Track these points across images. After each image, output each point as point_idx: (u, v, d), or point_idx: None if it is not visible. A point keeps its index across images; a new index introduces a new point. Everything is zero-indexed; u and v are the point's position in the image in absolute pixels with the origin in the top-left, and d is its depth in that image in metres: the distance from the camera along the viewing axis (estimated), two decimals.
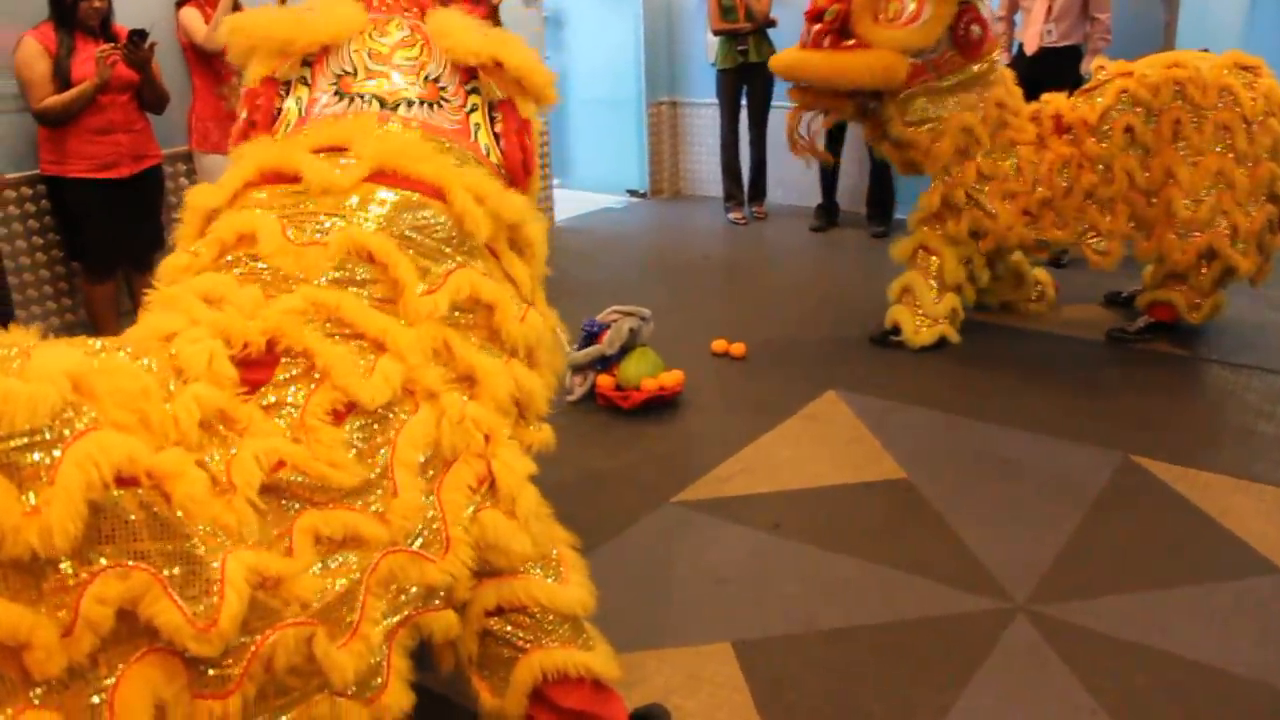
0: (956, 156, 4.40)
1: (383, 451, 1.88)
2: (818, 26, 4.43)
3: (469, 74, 2.35)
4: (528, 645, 2.12)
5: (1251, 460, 3.51)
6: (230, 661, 1.59)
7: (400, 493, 1.85)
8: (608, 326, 4.09)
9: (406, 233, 2.09)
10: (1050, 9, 5.58)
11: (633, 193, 8.00)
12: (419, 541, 1.89)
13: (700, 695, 2.49)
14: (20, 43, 4.03)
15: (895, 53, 4.22)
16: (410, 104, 2.30)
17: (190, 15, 4.60)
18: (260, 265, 2.01)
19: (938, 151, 4.38)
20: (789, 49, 4.61)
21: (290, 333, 1.86)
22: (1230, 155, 4.24)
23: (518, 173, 2.35)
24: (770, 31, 6.64)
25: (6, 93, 4.15)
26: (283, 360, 1.86)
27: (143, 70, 4.18)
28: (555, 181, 8.34)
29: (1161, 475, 3.44)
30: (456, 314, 2.10)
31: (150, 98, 4.31)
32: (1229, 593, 2.82)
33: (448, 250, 2.13)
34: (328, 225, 2.04)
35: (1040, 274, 5.02)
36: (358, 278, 2.02)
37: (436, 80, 2.34)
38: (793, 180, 7.09)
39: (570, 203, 7.85)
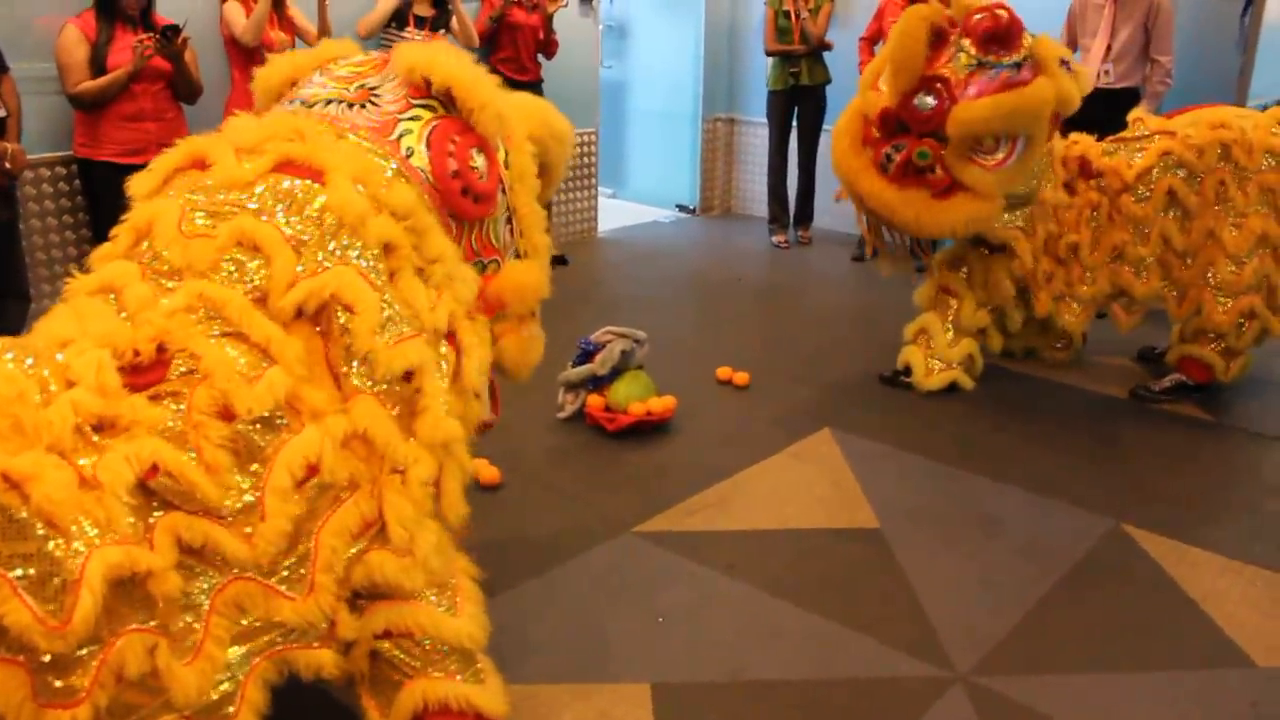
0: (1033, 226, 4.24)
1: (256, 468, 1.87)
2: (898, 157, 3.92)
3: (423, 91, 2.30)
4: (413, 672, 2.10)
5: (1251, 540, 3.31)
6: (79, 672, 1.60)
7: (267, 518, 1.81)
8: (602, 346, 4.05)
9: (293, 226, 2.00)
10: (1110, 48, 5.37)
11: (682, 208, 7.96)
12: (281, 575, 1.86)
13: None
14: (63, 29, 4.18)
15: (994, 198, 3.90)
16: (329, 102, 2.28)
17: (233, 9, 4.70)
18: (165, 253, 1.97)
19: (1035, 243, 4.21)
20: (875, 177, 4.02)
21: (177, 336, 1.83)
22: (1274, 217, 4.04)
23: (445, 183, 2.24)
24: (826, 54, 6.54)
25: (47, 76, 4.31)
26: (174, 362, 1.83)
27: (175, 62, 4.29)
28: (608, 192, 8.38)
29: (1149, 548, 3.26)
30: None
31: (183, 88, 4.43)
32: (1194, 683, 2.65)
33: (332, 245, 2.01)
34: (213, 219, 1.99)
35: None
36: (247, 272, 1.95)
37: (372, 89, 2.31)
38: (841, 207, 6.96)
39: (620, 214, 7.86)
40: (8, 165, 3.66)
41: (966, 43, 3.81)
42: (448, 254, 2.20)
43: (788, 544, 3.29)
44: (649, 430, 4.02)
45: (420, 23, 5.42)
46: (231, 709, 1.79)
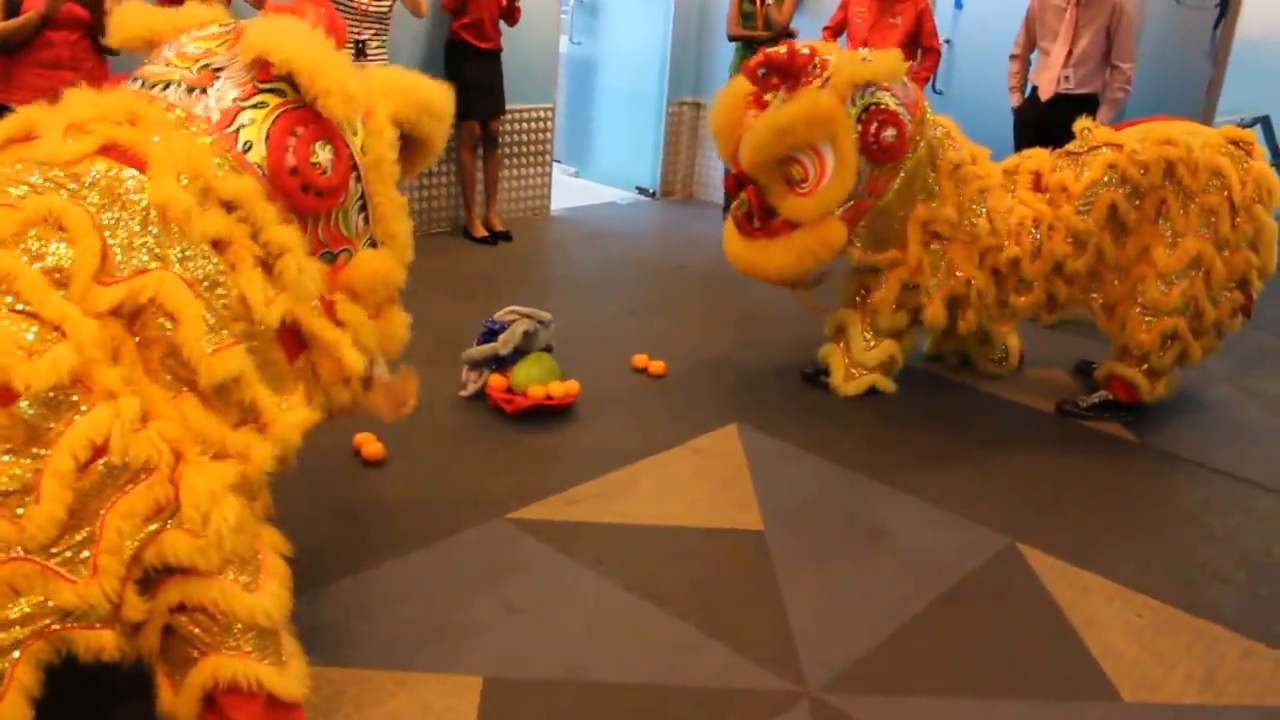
0: (928, 244, 4.05)
1: (38, 450, 1.73)
2: (739, 213, 3.94)
3: (270, 74, 2.16)
4: (206, 648, 2.00)
5: (1148, 568, 3.17)
6: None
7: (41, 501, 1.71)
8: (506, 326, 3.91)
9: (108, 213, 1.93)
10: (1070, 53, 5.20)
11: (642, 190, 7.80)
12: (62, 556, 1.75)
13: None
14: None
15: (827, 220, 3.76)
16: (168, 85, 2.16)
17: None
18: None
19: (914, 258, 4.01)
20: (733, 236, 4.02)
21: None
22: (1210, 240, 3.89)
23: (283, 180, 2.13)
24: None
25: None
26: None
27: (93, 11, 4.14)
28: (570, 170, 8.24)
29: (1040, 570, 3.13)
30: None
31: (101, 36, 4.28)
32: (1052, 714, 2.53)
33: (151, 242, 1.95)
34: (23, 191, 1.90)
35: (1011, 337, 4.64)
36: (48, 250, 1.85)
37: (217, 71, 2.17)
38: None
39: (579, 193, 7.71)
40: None
41: (776, 95, 3.75)
42: (293, 245, 2.13)
43: (663, 541, 3.16)
44: (549, 414, 3.89)
45: None
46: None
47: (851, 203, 3.79)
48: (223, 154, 2.09)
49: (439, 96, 2.55)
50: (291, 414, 2.17)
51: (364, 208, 2.37)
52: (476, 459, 3.57)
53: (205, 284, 1.99)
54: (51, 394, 1.73)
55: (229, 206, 2.05)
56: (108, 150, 2.01)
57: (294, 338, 2.21)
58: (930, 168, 3.95)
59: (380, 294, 2.42)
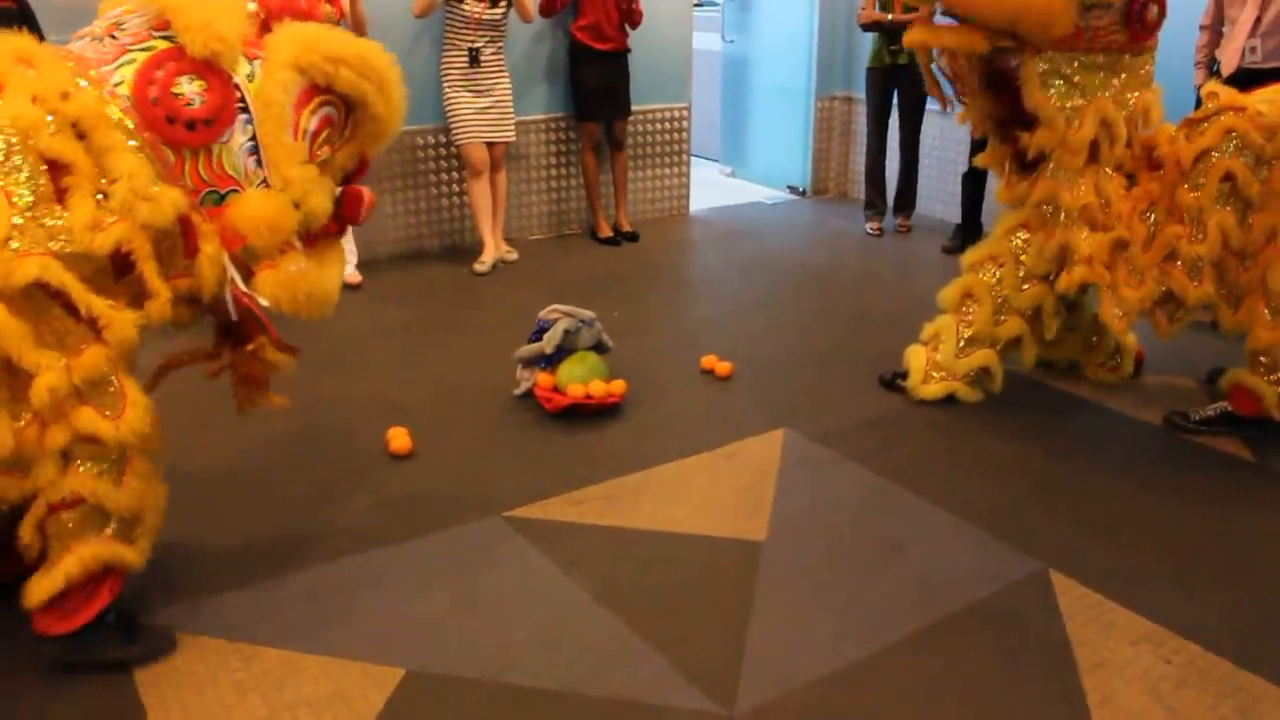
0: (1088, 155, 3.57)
1: None
2: None
3: (164, 25, 2.32)
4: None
5: (1201, 611, 2.72)
6: None
7: None
8: (552, 325, 3.92)
9: None
10: (1259, 21, 4.56)
11: (793, 189, 7.56)
12: None
13: (323, 715, 2.34)
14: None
15: None
16: (83, 38, 2.38)
17: None
18: None
19: (1076, 140, 3.50)
20: None
21: None
22: None
23: (146, 109, 2.25)
24: None
25: None
26: None
27: None
28: (726, 170, 8.13)
29: (1065, 601, 2.76)
30: None
31: None
32: None
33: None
34: None
35: (1129, 338, 4.11)
36: None
37: (119, 24, 2.35)
38: (945, 194, 6.41)
39: (730, 193, 7.60)
40: None
41: None
42: (135, 173, 2.20)
43: (650, 547, 3.05)
44: (595, 413, 3.85)
45: None
46: None
47: (1088, 24, 3.42)
48: (95, 90, 2.22)
49: (359, 51, 2.50)
50: (126, 313, 2.26)
51: (255, 151, 2.42)
52: (500, 456, 3.59)
53: (23, 197, 2.12)
54: None
55: (80, 134, 2.17)
56: None
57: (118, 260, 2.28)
58: (1136, 83, 3.57)
59: (266, 236, 2.42)
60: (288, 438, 3.71)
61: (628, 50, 6.06)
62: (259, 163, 2.41)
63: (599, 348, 4.03)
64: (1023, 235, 3.80)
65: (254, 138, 2.40)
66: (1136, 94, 3.57)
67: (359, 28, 5.15)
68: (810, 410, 3.94)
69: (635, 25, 6.01)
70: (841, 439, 3.69)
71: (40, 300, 2.15)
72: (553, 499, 3.30)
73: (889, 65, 6.11)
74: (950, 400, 3.95)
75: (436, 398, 4.06)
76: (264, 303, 2.52)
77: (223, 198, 2.39)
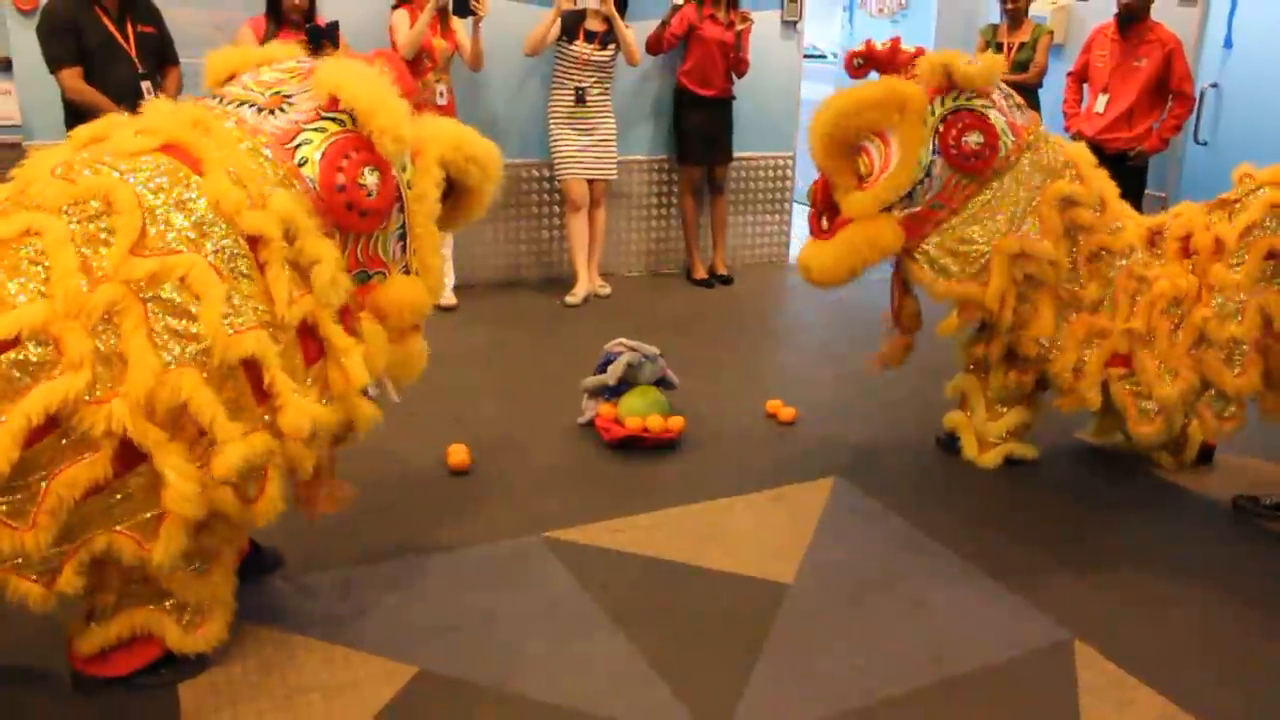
0: (1024, 293, 3.51)
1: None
2: (811, 214, 3.70)
3: (335, 107, 2.47)
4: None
5: (1237, 698, 2.63)
6: None
7: None
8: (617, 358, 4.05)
9: (158, 201, 2.21)
10: None
11: None
12: (6, 507, 2.06)
13: (333, 700, 2.50)
14: (240, 29, 4.90)
15: (879, 218, 3.42)
16: (243, 104, 2.49)
17: (399, 18, 5.23)
18: (31, 190, 2.20)
19: (994, 292, 3.44)
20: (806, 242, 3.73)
21: None
22: None
23: (331, 195, 2.41)
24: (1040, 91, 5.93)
25: None
26: None
27: None
28: None
29: (1086, 674, 2.70)
30: (158, 293, 2.16)
31: None
32: None
33: (189, 230, 2.22)
34: (87, 172, 2.22)
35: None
36: (89, 215, 2.16)
37: (286, 97, 2.50)
38: None
39: None
40: None
41: None
42: (327, 257, 2.36)
43: (679, 579, 3.12)
44: (651, 447, 3.95)
45: (590, 37, 5.66)
46: None
47: (917, 209, 3.42)
48: (277, 165, 2.39)
49: (486, 150, 2.77)
50: (305, 400, 2.34)
51: (403, 238, 2.63)
52: (552, 480, 3.72)
53: (233, 273, 2.24)
54: (21, 356, 2.04)
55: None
56: (168, 148, 2.30)
57: (314, 343, 2.41)
58: (1029, 191, 3.45)
59: (406, 318, 2.63)
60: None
61: (732, 97, 6.20)
62: (404, 249, 2.62)
63: (663, 383, 4.13)
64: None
65: (402, 225, 2.60)
66: (1046, 192, 3.46)
67: (475, 63, 5.44)
68: (865, 461, 3.94)
69: (741, 74, 6.14)
70: (889, 492, 3.69)
71: (235, 376, 2.25)
72: (594, 524, 3.40)
73: None
74: (1011, 462, 3.90)
75: (503, 419, 4.23)
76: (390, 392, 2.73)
77: (369, 277, 2.57)
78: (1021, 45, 5.92)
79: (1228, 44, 5.42)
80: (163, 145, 2.31)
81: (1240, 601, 3.09)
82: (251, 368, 2.26)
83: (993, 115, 3.40)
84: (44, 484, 2.08)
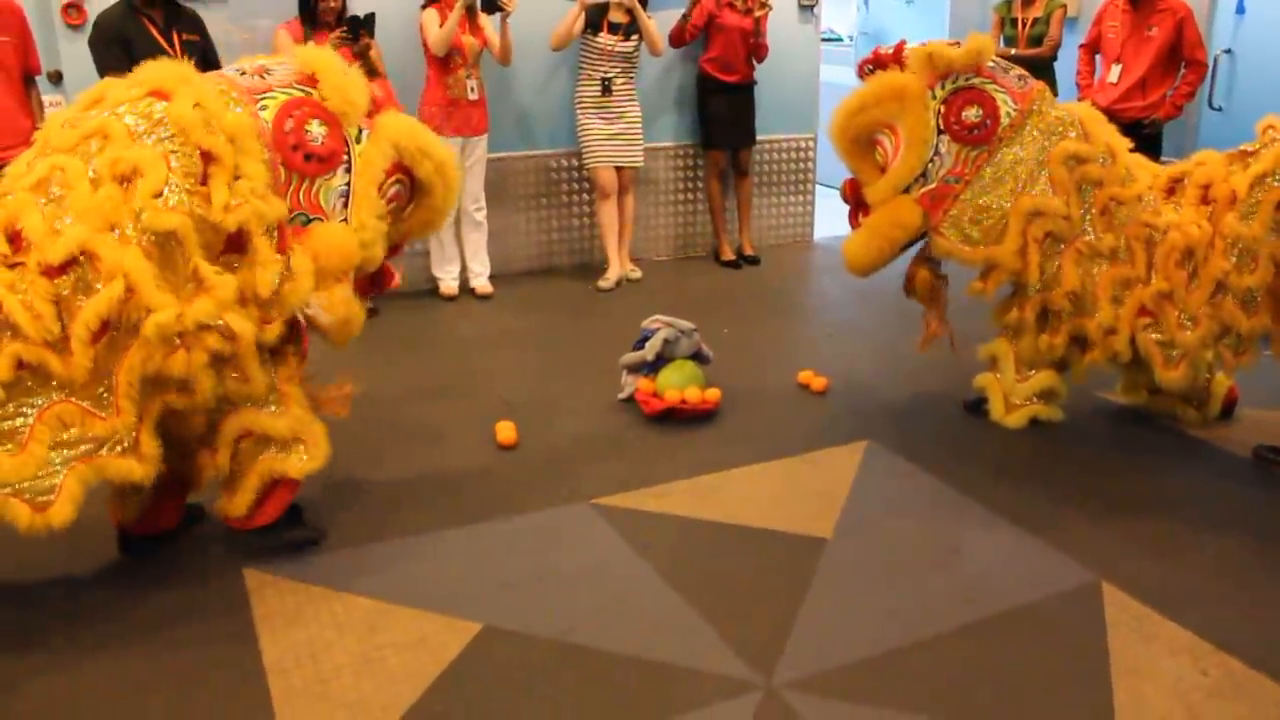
0: (1046, 250, 3.68)
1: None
2: (849, 210, 4.01)
3: (306, 81, 2.95)
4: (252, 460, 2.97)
5: (1255, 631, 2.77)
6: None
7: (74, 352, 2.49)
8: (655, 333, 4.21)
9: (141, 128, 2.66)
10: None
11: None
12: (91, 400, 2.55)
13: (405, 655, 2.68)
14: (276, 33, 5.09)
15: (899, 199, 3.69)
16: (235, 69, 2.97)
17: (429, 17, 5.40)
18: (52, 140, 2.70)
19: (1009, 251, 3.65)
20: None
21: (19, 213, 2.54)
22: None
23: (279, 135, 2.82)
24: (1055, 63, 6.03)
25: None
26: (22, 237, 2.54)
27: (362, 58, 5.03)
28: None
29: (1112, 611, 2.85)
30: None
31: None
32: None
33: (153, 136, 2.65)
34: (92, 115, 2.70)
35: (1219, 377, 4.03)
36: (91, 150, 2.62)
37: (268, 70, 2.94)
38: None
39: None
40: None
41: None
42: (258, 177, 2.74)
43: (721, 538, 3.28)
44: (689, 417, 4.12)
45: (614, 28, 5.82)
46: (51, 496, 2.54)
47: (933, 185, 3.67)
48: (244, 108, 2.80)
49: (438, 146, 3.18)
50: (227, 282, 2.69)
51: (346, 196, 2.96)
52: (596, 451, 3.90)
53: (179, 171, 2.64)
54: (75, 278, 2.49)
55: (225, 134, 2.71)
56: (153, 93, 2.73)
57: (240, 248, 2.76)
58: (1038, 151, 3.65)
59: (333, 261, 2.91)
60: (407, 423, 4.12)
61: (754, 82, 6.34)
62: (345, 205, 2.96)
63: (698, 357, 4.29)
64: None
65: (347, 185, 2.94)
66: (1042, 162, 3.63)
67: (505, 57, 5.62)
68: (895, 425, 4.10)
69: (761, 59, 6.29)
70: (920, 453, 3.84)
71: (169, 254, 2.63)
72: (638, 490, 3.57)
73: None
74: (1035, 422, 4.03)
75: (546, 397, 4.41)
76: (320, 314, 2.99)
77: (308, 220, 2.91)
78: (1035, 20, 6.03)
79: (1240, 9, 5.51)
80: (149, 91, 2.75)
81: (1259, 544, 3.23)
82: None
83: (990, 88, 3.61)
84: (114, 376, 2.55)
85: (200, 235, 2.65)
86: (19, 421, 2.49)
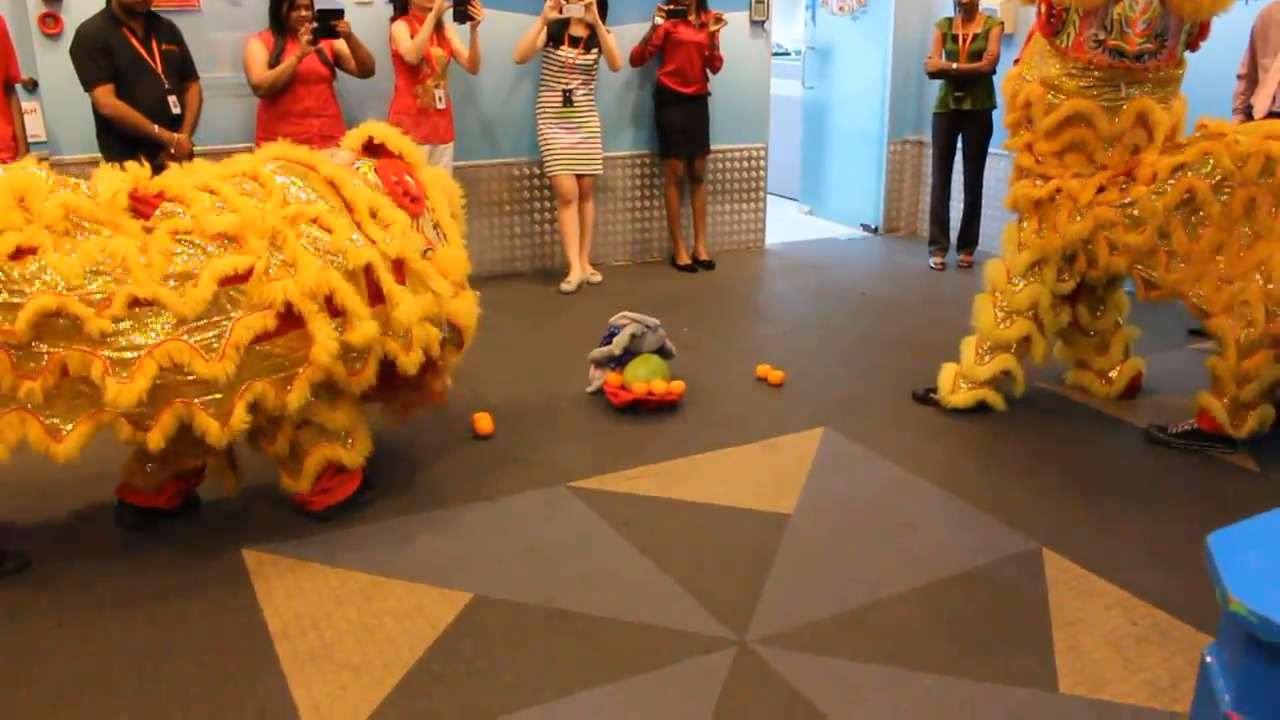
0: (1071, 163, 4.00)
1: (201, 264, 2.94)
2: None
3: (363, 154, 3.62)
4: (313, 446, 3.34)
5: (1180, 589, 3.05)
6: (32, 365, 2.80)
7: (199, 286, 2.87)
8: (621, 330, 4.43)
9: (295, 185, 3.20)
10: None
11: (866, 227, 7.98)
12: (205, 343, 2.87)
13: (403, 622, 2.86)
14: (248, 42, 5.24)
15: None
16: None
17: (399, 29, 5.59)
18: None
19: (1014, 94, 4.06)
20: None
21: (181, 191, 3.04)
22: None
23: (390, 186, 3.43)
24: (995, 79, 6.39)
25: (237, 82, 5.43)
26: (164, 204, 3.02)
27: (349, 40, 5.28)
28: (805, 208, 8.60)
29: (1053, 573, 3.12)
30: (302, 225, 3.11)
31: (359, 64, 5.39)
32: (970, 693, 2.59)
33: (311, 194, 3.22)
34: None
35: (1133, 360, 4.49)
36: (246, 186, 3.13)
37: (333, 153, 3.64)
38: None
39: (807, 230, 8.07)
40: (173, 151, 4.72)
41: None
42: (399, 220, 3.31)
43: (691, 514, 3.51)
44: (654, 409, 4.34)
45: (575, 42, 6.05)
46: (151, 422, 2.89)
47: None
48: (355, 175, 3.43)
49: (450, 181, 3.79)
50: (411, 299, 3.22)
51: (435, 226, 3.51)
52: (569, 440, 4.11)
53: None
54: (223, 237, 2.97)
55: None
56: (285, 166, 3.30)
57: (376, 291, 3.20)
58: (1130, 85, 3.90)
59: (457, 274, 3.51)
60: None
61: (709, 94, 6.61)
62: (438, 234, 3.48)
63: (663, 352, 4.52)
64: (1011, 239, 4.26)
65: (434, 219, 3.50)
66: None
67: (474, 65, 5.83)
68: (850, 414, 4.36)
69: (716, 70, 6.56)
70: (874, 438, 4.11)
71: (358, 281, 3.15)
72: (611, 474, 3.79)
73: (954, 110, 6.53)
74: (978, 410, 4.33)
75: (518, 392, 4.61)
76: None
77: (425, 252, 3.39)
78: (975, 36, 6.38)
79: None
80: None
81: (1181, 513, 3.55)
82: (368, 280, 3.15)
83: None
84: (230, 326, 2.91)
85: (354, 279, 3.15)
86: (128, 353, 2.80)
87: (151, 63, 4.68)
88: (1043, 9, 3.91)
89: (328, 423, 3.29)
